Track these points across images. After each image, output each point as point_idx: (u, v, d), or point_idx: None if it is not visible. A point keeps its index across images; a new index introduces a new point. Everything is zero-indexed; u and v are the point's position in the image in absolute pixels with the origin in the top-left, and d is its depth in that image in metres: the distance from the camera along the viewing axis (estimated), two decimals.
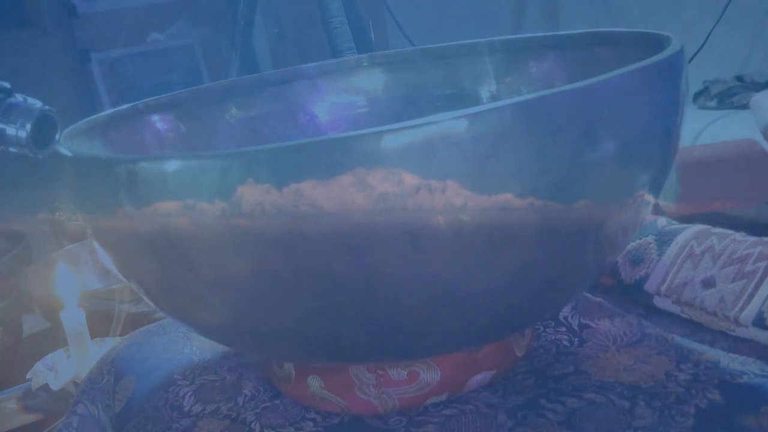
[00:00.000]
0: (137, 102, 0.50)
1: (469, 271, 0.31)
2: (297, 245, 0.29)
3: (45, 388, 0.71)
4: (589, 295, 0.48)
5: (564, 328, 0.45)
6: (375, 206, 0.27)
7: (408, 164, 0.27)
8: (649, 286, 0.46)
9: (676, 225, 0.47)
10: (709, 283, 0.43)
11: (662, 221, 0.48)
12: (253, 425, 0.40)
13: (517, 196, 0.28)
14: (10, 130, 0.40)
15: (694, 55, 1.23)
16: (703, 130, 1.07)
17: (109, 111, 0.47)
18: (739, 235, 0.44)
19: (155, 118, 0.51)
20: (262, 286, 0.31)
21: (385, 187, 0.27)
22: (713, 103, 1.18)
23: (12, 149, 0.41)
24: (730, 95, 1.16)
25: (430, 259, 0.30)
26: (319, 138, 0.28)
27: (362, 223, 0.28)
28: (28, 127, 0.39)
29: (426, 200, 0.27)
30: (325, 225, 0.28)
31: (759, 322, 0.40)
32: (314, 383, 0.40)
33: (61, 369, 0.72)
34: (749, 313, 0.40)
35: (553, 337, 0.44)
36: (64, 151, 0.36)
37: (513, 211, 0.29)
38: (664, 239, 0.46)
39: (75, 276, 0.76)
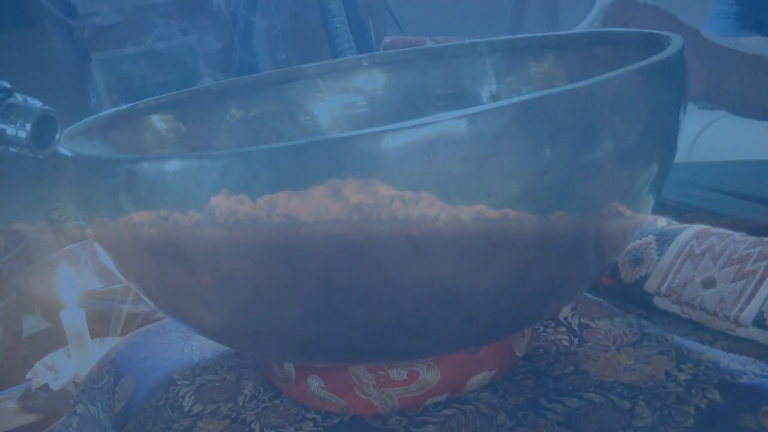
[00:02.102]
0: (137, 102, 0.50)
1: (468, 271, 0.31)
2: (295, 248, 0.29)
3: (45, 388, 0.71)
4: (589, 295, 0.48)
5: (564, 328, 0.45)
6: (350, 217, 0.27)
7: (406, 167, 0.27)
8: (649, 286, 0.46)
9: (676, 225, 0.47)
10: (709, 283, 0.43)
11: (662, 221, 0.48)
12: (253, 425, 0.40)
13: (490, 207, 0.28)
14: (10, 130, 0.40)
15: None
16: (703, 130, 1.07)
17: (109, 111, 0.47)
18: (739, 235, 0.44)
19: (155, 118, 0.51)
20: (261, 287, 0.31)
21: (360, 198, 0.27)
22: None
23: (12, 149, 0.41)
24: None
25: (429, 260, 0.30)
26: (325, 138, 0.28)
27: (361, 227, 0.28)
28: (28, 127, 0.39)
29: (400, 211, 0.27)
30: (324, 228, 0.28)
31: (759, 322, 0.40)
32: (314, 383, 0.40)
33: (61, 369, 0.72)
34: (749, 313, 0.40)
35: (553, 337, 0.44)
36: (64, 151, 0.36)
37: (488, 221, 0.28)
38: (664, 239, 0.46)
39: (75, 276, 0.76)
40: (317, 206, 0.27)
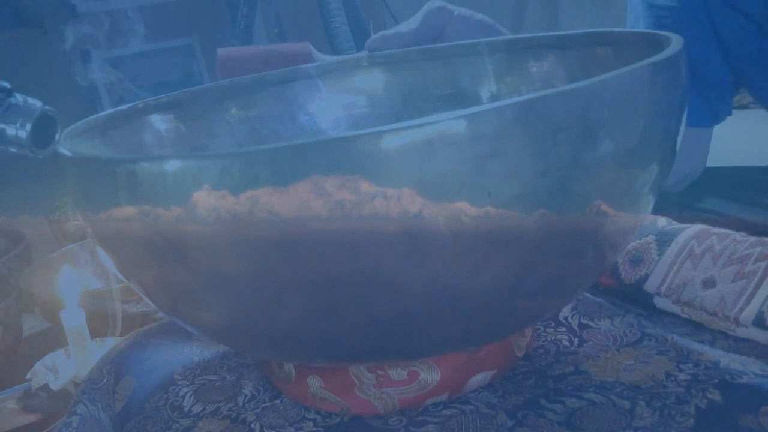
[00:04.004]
0: (137, 102, 0.50)
1: (468, 271, 0.31)
2: (284, 246, 0.29)
3: (45, 388, 0.71)
4: (589, 295, 0.48)
5: (564, 328, 0.45)
6: (331, 213, 0.27)
7: (407, 167, 0.27)
8: (649, 286, 0.46)
9: (676, 225, 0.47)
10: (709, 283, 0.43)
11: (662, 221, 0.48)
12: (253, 425, 0.40)
13: (472, 205, 0.28)
14: (10, 130, 0.40)
15: None
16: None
17: (109, 111, 0.47)
18: (739, 235, 0.44)
19: (155, 118, 0.51)
20: (260, 287, 0.31)
21: (342, 195, 0.27)
22: None
23: (12, 149, 0.40)
24: None
25: (428, 259, 0.30)
26: (327, 137, 0.28)
27: (359, 225, 0.28)
28: (28, 127, 0.39)
29: (381, 207, 0.27)
30: (323, 226, 0.28)
31: (759, 322, 0.40)
32: (314, 383, 0.40)
33: (61, 369, 0.72)
34: (749, 313, 0.40)
35: (553, 337, 0.44)
36: (64, 151, 0.36)
37: (470, 218, 0.28)
38: (664, 239, 0.46)
39: (75, 276, 0.76)
40: (299, 202, 0.27)
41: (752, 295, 0.41)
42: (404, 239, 0.28)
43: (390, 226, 0.28)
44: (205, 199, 0.28)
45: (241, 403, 0.43)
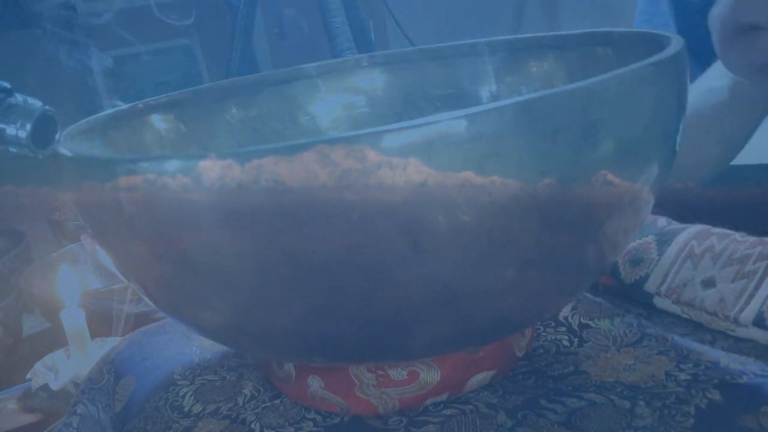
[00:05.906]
0: (137, 102, 0.50)
1: (468, 269, 0.31)
2: (298, 224, 0.29)
3: (45, 388, 0.71)
4: (589, 295, 0.48)
5: (564, 328, 0.45)
6: (338, 183, 0.27)
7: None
8: (649, 286, 0.46)
9: (676, 225, 0.47)
10: (709, 283, 0.43)
11: (662, 221, 0.48)
12: (253, 425, 0.40)
13: (478, 174, 0.28)
14: (10, 130, 0.40)
15: None
16: None
17: (109, 111, 0.47)
18: (739, 235, 0.44)
19: (155, 118, 0.51)
20: (260, 283, 0.31)
21: (348, 164, 0.27)
22: None
23: (12, 149, 0.40)
24: None
25: (429, 256, 0.30)
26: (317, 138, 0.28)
27: (360, 217, 0.28)
28: (28, 127, 0.39)
29: (387, 177, 0.27)
30: (328, 195, 0.28)
31: (759, 322, 0.40)
32: (314, 383, 0.40)
33: (61, 369, 0.72)
34: (749, 313, 0.40)
35: (553, 337, 0.44)
36: (64, 151, 0.36)
37: (475, 188, 0.28)
38: (664, 239, 0.46)
39: (75, 276, 0.76)
40: (305, 171, 0.27)
41: (752, 295, 0.41)
42: (404, 221, 0.28)
43: (394, 196, 0.28)
44: (211, 168, 0.28)
45: (241, 403, 0.43)
